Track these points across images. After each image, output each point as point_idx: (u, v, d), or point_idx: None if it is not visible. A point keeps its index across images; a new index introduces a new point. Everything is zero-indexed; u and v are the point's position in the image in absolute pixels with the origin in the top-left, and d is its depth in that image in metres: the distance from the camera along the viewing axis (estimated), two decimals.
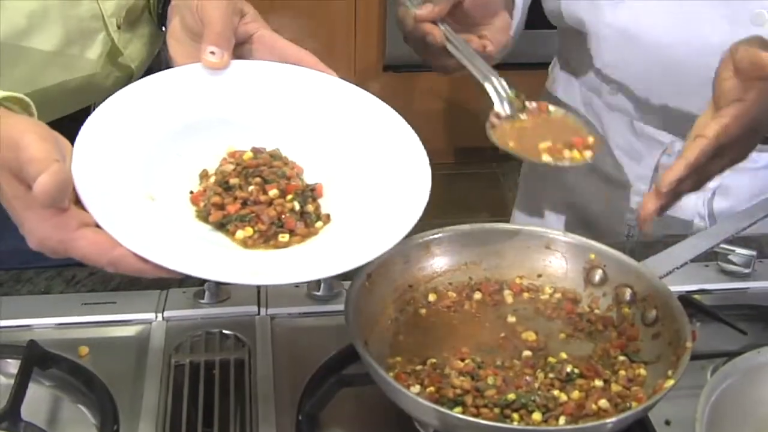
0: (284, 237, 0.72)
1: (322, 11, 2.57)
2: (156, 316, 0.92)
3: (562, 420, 0.73)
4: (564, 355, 0.80)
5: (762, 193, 1.15)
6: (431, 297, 0.86)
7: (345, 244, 0.71)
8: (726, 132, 0.82)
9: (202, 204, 0.73)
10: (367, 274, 0.81)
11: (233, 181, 0.74)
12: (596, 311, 0.85)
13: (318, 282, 0.95)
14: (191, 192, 0.75)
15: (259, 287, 0.96)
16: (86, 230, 0.64)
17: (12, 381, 0.80)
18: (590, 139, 0.84)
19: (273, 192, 0.73)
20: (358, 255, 0.69)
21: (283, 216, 0.73)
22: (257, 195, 0.73)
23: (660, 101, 1.09)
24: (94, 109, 0.73)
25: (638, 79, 1.09)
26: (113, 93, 0.76)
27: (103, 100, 0.74)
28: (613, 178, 1.20)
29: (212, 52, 0.78)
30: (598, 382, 0.77)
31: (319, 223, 0.74)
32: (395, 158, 0.77)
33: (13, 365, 0.83)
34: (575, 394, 0.75)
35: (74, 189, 0.65)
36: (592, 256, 0.86)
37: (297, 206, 0.73)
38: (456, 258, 0.88)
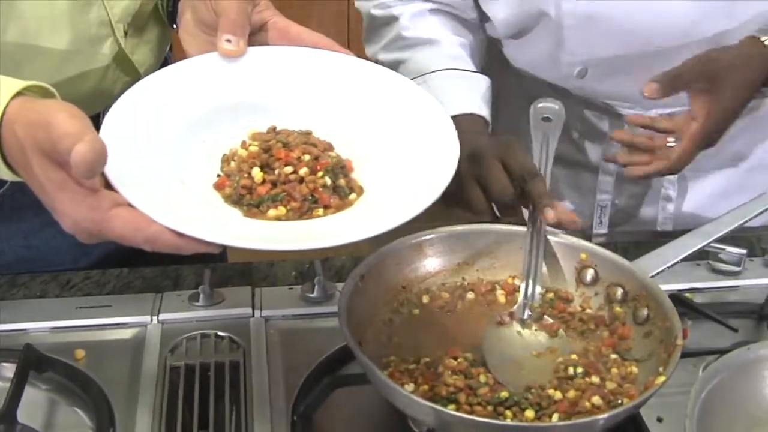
0: (319, 212, 0.72)
1: (315, 12, 2.58)
2: (151, 319, 0.92)
3: (555, 417, 0.73)
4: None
5: (722, 195, 1.20)
6: (424, 298, 0.86)
7: (380, 211, 0.71)
8: (687, 153, 0.98)
9: (227, 189, 0.73)
10: (360, 275, 0.82)
11: (261, 160, 0.74)
12: (588, 310, 0.85)
13: (312, 284, 0.96)
14: (218, 175, 0.75)
15: (253, 289, 0.97)
16: (120, 209, 0.64)
17: (8, 384, 0.80)
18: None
19: (303, 170, 0.73)
20: (394, 218, 0.68)
21: (315, 192, 0.72)
22: (286, 175, 0.73)
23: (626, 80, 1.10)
24: (103, 116, 0.73)
25: (602, 61, 1.10)
26: None
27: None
28: (579, 162, 1.21)
29: (228, 40, 0.78)
30: (595, 378, 0.77)
31: (352, 195, 0.74)
32: (420, 128, 0.77)
33: (9, 369, 0.84)
34: (571, 392, 0.76)
35: (103, 173, 0.65)
36: (584, 255, 0.86)
37: (329, 181, 0.73)
38: (449, 259, 0.88)
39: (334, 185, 0.73)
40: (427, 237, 0.87)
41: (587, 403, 0.74)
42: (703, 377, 0.76)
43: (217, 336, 0.90)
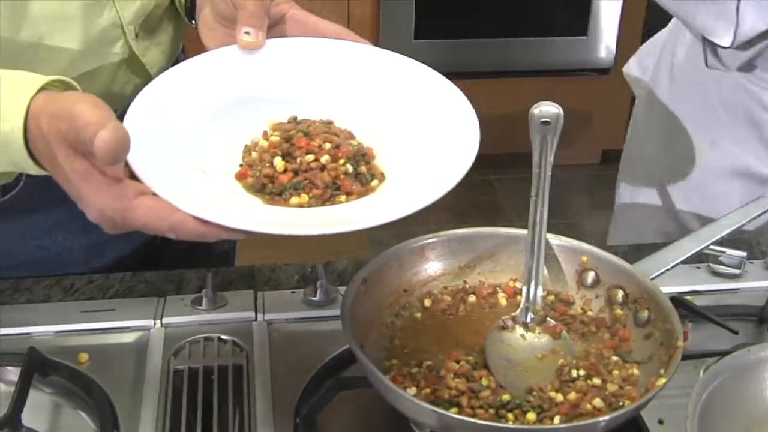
0: (341, 198, 0.72)
1: (315, 11, 2.59)
2: (154, 323, 0.93)
3: (556, 419, 0.74)
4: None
5: None
6: (426, 301, 0.87)
7: (402, 196, 0.71)
8: None
9: (250, 179, 0.73)
10: (363, 278, 0.82)
11: (283, 150, 0.74)
12: (589, 313, 0.86)
13: (314, 287, 0.96)
14: (240, 166, 0.75)
15: (256, 293, 0.97)
16: (144, 198, 0.65)
17: (13, 388, 0.81)
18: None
19: (325, 158, 0.73)
20: (416, 202, 0.68)
21: (337, 179, 0.72)
22: (307, 163, 0.73)
23: None
24: (120, 118, 0.73)
25: None
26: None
27: (125, 109, 0.74)
28: (760, 175, 1.22)
29: (247, 32, 0.79)
30: (597, 380, 0.78)
31: (374, 182, 0.74)
32: (440, 115, 0.77)
33: (13, 372, 0.84)
34: (572, 395, 0.76)
35: (127, 164, 0.66)
36: (584, 258, 0.87)
37: (350, 169, 0.73)
38: (450, 262, 0.89)
39: (356, 172, 0.73)
40: (429, 241, 0.88)
41: (588, 405, 0.75)
42: (704, 379, 0.77)
43: (220, 339, 0.91)
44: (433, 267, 0.88)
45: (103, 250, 1.07)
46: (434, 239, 0.88)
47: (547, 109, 0.81)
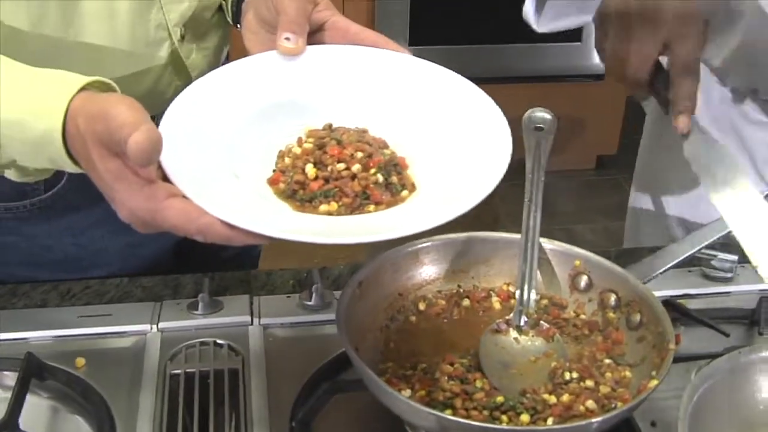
0: (370, 208, 0.72)
1: None
2: (151, 328, 0.93)
3: (549, 421, 0.74)
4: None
5: None
6: (421, 305, 0.87)
7: (431, 206, 0.71)
8: None
9: (281, 185, 0.74)
10: (358, 282, 0.83)
11: (315, 157, 0.75)
12: (582, 316, 0.87)
13: (309, 292, 0.97)
14: (273, 171, 0.75)
15: (251, 297, 0.98)
16: (174, 200, 0.66)
17: (10, 393, 0.81)
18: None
19: (356, 167, 0.74)
20: (444, 213, 0.68)
21: (367, 189, 0.73)
22: (338, 171, 0.73)
23: None
24: (157, 120, 0.73)
25: None
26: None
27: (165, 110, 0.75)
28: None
29: (287, 38, 0.80)
30: (589, 383, 0.79)
31: (404, 192, 0.74)
32: (475, 126, 0.77)
33: (10, 377, 0.85)
34: (565, 397, 0.77)
35: (160, 166, 0.67)
36: (577, 262, 0.88)
37: (381, 178, 0.73)
38: (444, 266, 0.90)
39: (387, 182, 0.74)
40: (423, 245, 0.89)
41: (581, 407, 0.76)
42: (696, 381, 0.77)
43: (216, 344, 0.91)
44: (427, 271, 0.89)
45: (137, 251, 1.09)
46: (429, 243, 0.89)
47: (540, 115, 0.82)
